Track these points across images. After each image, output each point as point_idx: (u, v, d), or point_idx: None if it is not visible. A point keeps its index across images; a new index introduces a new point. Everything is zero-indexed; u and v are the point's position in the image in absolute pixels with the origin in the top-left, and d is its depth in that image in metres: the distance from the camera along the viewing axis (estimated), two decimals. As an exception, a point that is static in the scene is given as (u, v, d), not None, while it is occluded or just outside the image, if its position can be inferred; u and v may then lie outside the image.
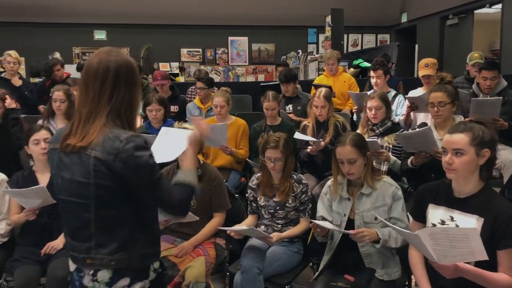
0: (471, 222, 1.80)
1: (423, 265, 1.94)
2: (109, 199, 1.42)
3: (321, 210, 2.41)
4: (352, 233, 2.09)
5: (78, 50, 8.61)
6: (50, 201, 2.48)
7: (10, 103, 3.39)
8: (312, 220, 2.25)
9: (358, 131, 3.27)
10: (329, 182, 2.44)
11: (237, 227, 2.51)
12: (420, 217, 1.99)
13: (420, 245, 1.65)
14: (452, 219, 1.86)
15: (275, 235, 2.54)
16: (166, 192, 1.47)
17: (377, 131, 3.20)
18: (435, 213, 1.92)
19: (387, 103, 3.22)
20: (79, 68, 7.37)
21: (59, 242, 2.56)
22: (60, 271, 2.41)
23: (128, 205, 1.45)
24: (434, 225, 1.90)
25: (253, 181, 2.76)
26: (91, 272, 1.45)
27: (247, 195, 2.82)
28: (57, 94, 3.56)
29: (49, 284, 2.42)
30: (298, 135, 3.39)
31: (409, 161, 2.84)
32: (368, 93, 4.10)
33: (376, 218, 2.21)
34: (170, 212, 1.54)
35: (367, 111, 3.22)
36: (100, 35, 8.71)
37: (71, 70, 7.02)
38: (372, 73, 4.25)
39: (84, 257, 1.45)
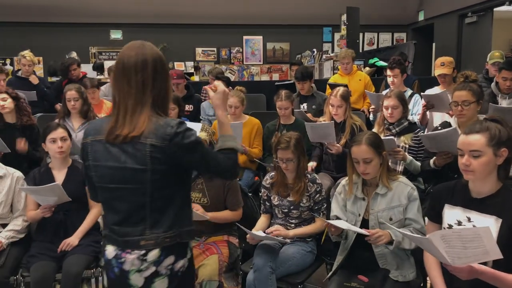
0: (489, 223, 1.76)
1: (438, 267, 1.90)
2: (163, 181, 1.51)
3: (335, 209, 2.39)
4: (368, 234, 2.06)
5: (95, 49, 8.71)
6: (65, 198, 2.51)
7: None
8: (326, 221, 2.23)
9: (374, 130, 3.23)
10: (343, 182, 2.42)
11: (254, 232, 2.50)
12: (436, 218, 1.95)
13: (433, 249, 1.62)
14: (469, 219, 1.82)
15: (291, 231, 2.53)
16: (214, 161, 1.57)
17: (393, 131, 3.15)
18: (452, 214, 1.88)
19: (404, 102, 3.17)
20: (95, 67, 7.49)
21: (74, 239, 2.59)
22: (75, 267, 2.45)
23: (178, 184, 1.56)
24: (450, 225, 1.86)
25: (267, 180, 2.75)
26: (142, 252, 1.51)
27: (260, 194, 2.81)
28: (70, 93, 3.59)
29: (64, 280, 2.45)
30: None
31: (431, 161, 2.77)
32: (384, 92, 4.06)
33: (391, 219, 2.18)
34: (223, 176, 1.67)
35: (384, 110, 3.17)
36: (116, 34, 8.79)
37: (87, 69, 7.13)
38: (388, 72, 4.20)
39: (139, 239, 1.51)
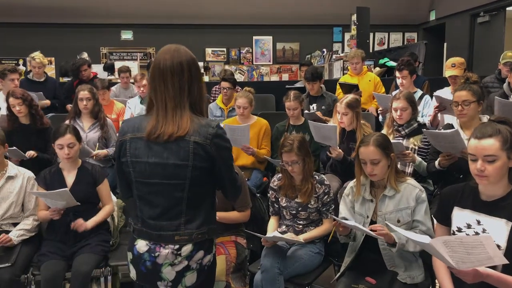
0: (499, 226, 1.74)
1: (446, 269, 1.88)
2: (201, 179, 1.59)
3: (343, 211, 2.38)
4: (375, 228, 2.04)
5: (106, 50, 8.78)
6: (73, 203, 2.54)
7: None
8: (336, 218, 2.21)
9: (383, 131, 3.21)
10: (351, 183, 2.41)
11: (267, 236, 2.50)
12: (444, 220, 1.94)
13: (437, 253, 1.61)
14: (478, 222, 1.80)
15: (301, 236, 2.53)
16: (235, 176, 1.68)
17: (402, 132, 3.13)
18: (461, 216, 1.86)
19: (413, 103, 3.14)
20: (105, 68, 7.55)
21: (88, 223, 2.61)
22: (84, 266, 2.48)
23: (211, 184, 1.65)
24: (459, 228, 1.85)
25: (274, 182, 2.75)
26: (176, 247, 1.58)
27: (268, 195, 2.81)
28: (83, 93, 3.63)
29: (73, 279, 2.48)
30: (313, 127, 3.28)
31: (436, 163, 2.77)
32: (394, 93, 4.03)
33: (398, 221, 2.17)
34: (234, 191, 1.73)
35: (393, 111, 3.15)
36: (126, 35, 8.86)
37: (99, 69, 7.19)
38: (397, 73, 4.18)
39: (173, 234, 1.59)
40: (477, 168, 1.73)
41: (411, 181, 2.25)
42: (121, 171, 1.67)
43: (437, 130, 2.85)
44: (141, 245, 1.63)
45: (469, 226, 1.82)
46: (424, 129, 2.94)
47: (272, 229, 2.68)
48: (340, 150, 3.20)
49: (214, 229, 1.69)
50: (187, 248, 1.59)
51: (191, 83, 1.58)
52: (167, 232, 1.59)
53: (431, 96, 4.18)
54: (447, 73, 3.97)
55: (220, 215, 2.56)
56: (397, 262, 2.19)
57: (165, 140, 1.55)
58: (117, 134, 1.76)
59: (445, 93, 4.03)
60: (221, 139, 1.59)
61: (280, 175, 2.73)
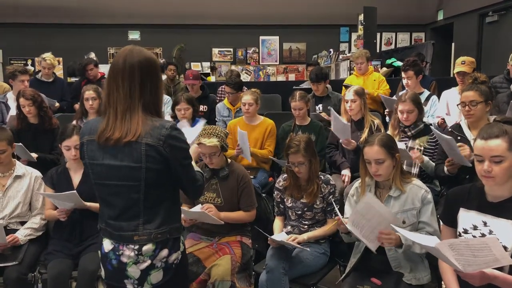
0: (506, 227, 1.73)
1: (453, 271, 1.87)
2: (156, 180, 1.59)
3: (348, 211, 2.37)
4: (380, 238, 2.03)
5: (113, 50, 8.83)
6: (82, 205, 2.55)
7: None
8: (339, 214, 2.20)
9: (389, 132, 3.20)
10: (356, 184, 2.40)
11: (274, 237, 2.51)
12: (451, 222, 1.92)
13: (443, 256, 1.60)
14: (485, 224, 1.79)
15: (305, 235, 2.53)
16: (194, 172, 1.68)
17: (408, 133, 3.11)
18: (467, 218, 1.85)
19: (419, 105, 3.12)
20: (113, 68, 7.57)
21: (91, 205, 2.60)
22: (91, 265, 2.50)
23: (169, 184, 1.63)
24: (465, 230, 1.83)
25: (280, 182, 2.75)
26: (136, 247, 1.60)
27: (274, 195, 2.81)
28: (88, 93, 3.66)
29: (80, 277, 2.49)
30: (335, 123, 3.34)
31: (445, 169, 2.75)
32: (400, 93, 4.02)
33: (404, 222, 2.16)
34: (195, 191, 1.74)
35: (398, 113, 3.14)
36: (134, 35, 8.90)
37: (106, 70, 7.22)
38: (403, 74, 4.16)
39: (132, 234, 1.60)
40: (484, 169, 1.71)
41: (416, 181, 2.24)
42: (87, 173, 1.69)
43: (437, 131, 2.83)
44: (107, 244, 1.66)
45: (475, 228, 1.80)
46: (433, 127, 2.93)
47: (279, 230, 2.68)
48: (354, 142, 3.30)
49: (178, 227, 1.68)
50: (148, 248, 1.60)
51: (143, 85, 1.56)
52: (127, 233, 1.61)
53: (439, 97, 4.16)
54: (456, 69, 3.96)
55: (224, 215, 2.58)
56: (403, 263, 2.18)
57: (113, 144, 1.55)
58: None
59: (452, 93, 4.02)
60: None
61: (285, 175, 2.73)
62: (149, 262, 1.61)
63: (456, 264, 1.56)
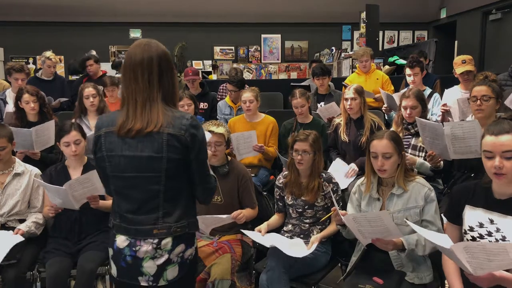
0: (513, 226, 1.69)
1: (458, 274, 1.83)
2: (176, 171, 1.58)
3: (349, 209, 2.34)
4: (374, 240, 2.01)
5: (114, 48, 8.82)
6: (70, 205, 2.51)
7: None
8: (336, 205, 2.16)
9: (392, 129, 3.16)
10: (358, 182, 2.37)
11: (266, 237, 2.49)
12: (455, 219, 1.89)
13: (455, 258, 1.57)
14: (492, 221, 1.75)
15: (315, 238, 2.48)
16: (208, 171, 1.66)
17: (412, 131, 3.08)
18: (473, 215, 1.81)
19: (423, 102, 3.10)
20: (114, 66, 7.57)
21: (100, 203, 2.58)
22: (89, 263, 2.47)
23: (188, 176, 1.62)
24: (471, 227, 1.80)
25: (280, 180, 2.72)
26: (155, 241, 1.58)
27: (274, 192, 2.78)
28: (88, 91, 3.63)
29: (78, 276, 2.47)
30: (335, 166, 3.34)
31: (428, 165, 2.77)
32: (402, 91, 3.98)
33: (406, 219, 2.12)
34: (205, 191, 1.68)
35: (402, 110, 3.11)
36: (135, 33, 8.88)
37: (108, 67, 7.22)
38: (408, 71, 4.12)
39: (151, 228, 1.58)
40: (495, 165, 1.67)
41: (420, 179, 2.21)
42: (100, 167, 1.66)
43: (425, 120, 2.80)
44: (121, 240, 1.62)
45: (481, 225, 1.77)
46: (417, 117, 2.90)
47: (272, 225, 2.65)
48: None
49: (195, 222, 1.68)
50: (167, 242, 1.58)
51: (162, 77, 1.58)
52: (145, 226, 1.58)
53: (442, 95, 4.13)
54: (459, 70, 3.89)
55: (246, 214, 2.55)
56: (405, 262, 2.15)
57: (134, 135, 1.55)
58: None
59: (455, 91, 3.98)
60: (196, 129, 1.58)
61: (285, 172, 2.70)
62: (166, 256, 1.58)
63: (468, 266, 1.53)
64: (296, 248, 2.41)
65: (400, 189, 2.17)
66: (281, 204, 2.72)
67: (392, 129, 3.15)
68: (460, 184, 1.99)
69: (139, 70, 1.55)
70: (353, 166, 3.31)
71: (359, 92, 3.42)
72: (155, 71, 1.56)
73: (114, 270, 1.67)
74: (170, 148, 1.54)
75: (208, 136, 2.39)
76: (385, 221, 1.90)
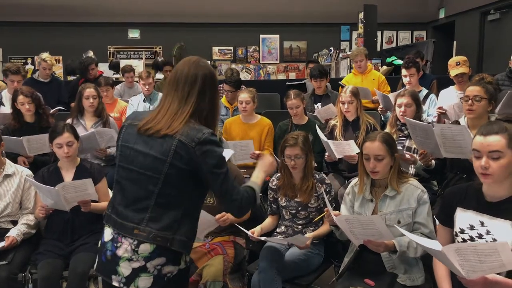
0: (503, 228, 1.68)
1: (449, 279, 1.82)
2: (177, 179, 1.57)
3: (343, 210, 2.33)
4: (366, 241, 2.00)
5: (113, 48, 8.80)
6: (62, 206, 2.50)
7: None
8: (329, 206, 2.15)
9: (387, 130, 3.15)
10: (352, 183, 2.36)
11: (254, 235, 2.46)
12: (447, 222, 1.88)
13: (446, 261, 1.55)
14: (482, 224, 1.74)
15: (308, 236, 2.44)
16: (230, 185, 1.61)
17: (405, 132, 3.06)
18: (464, 217, 1.80)
19: (417, 101, 3.08)
20: (111, 67, 7.56)
21: (92, 205, 2.56)
22: (81, 265, 2.47)
23: (190, 191, 1.60)
24: (462, 229, 1.79)
25: (273, 182, 2.71)
26: (135, 243, 1.56)
27: (268, 194, 2.77)
28: (89, 91, 3.62)
29: (70, 278, 2.46)
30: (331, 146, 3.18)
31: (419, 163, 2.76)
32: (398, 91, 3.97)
33: (399, 222, 2.12)
34: (229, 205, 1.66)
35: (396, 108, 3.10)
36: (133, 34, 8.88)
37: (106, 68, 7.21)
38: (404, 72, 4.10)
39: (134, 226, 1.57)
40: (481, 165, 1.67)
41: (413, 181, 2.20)
42: (115, 156, 1.73)
43: (414, 120, 2.80)
44: (107, 234, 1.64)
45: (472, 228, 1.76)
46: (406, 117, 2.88)
47: (265, 228, 2.62)
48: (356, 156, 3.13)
49: (186, 243, 1.61)
50: (145, 248, 1.56)
51: (203, 94, 1.62)
52: (129, 223, 1.58)
53: (439, 95, 4.11)
54: (453, 72, 3.86)
55: (232, 219, 2.50)
56: (397, 264, 2.14)
57: (151, 134, 1.59)
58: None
59: (450, 92, 3.95)
60: (209, 145, 1.56)
61: (279, 174, 2.69)
62: (142, 263, 1.55)
63: (460, 269, 1.51)
64: (296, 240, 2.39)
65: (393, 190, 2.16)
66: (274, 206, 2.71)
67: (386, 130, 3.14)
68: (453, 186, 1.97)
69: (182, 82, 1.63)
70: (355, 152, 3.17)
71: (355, 94, 3.40)
72: (198, 86, 1.62)
73: (95, 264, 1.68)
74: (177, 155, 1.55)
75: (229, 153, 2.34)
76: (377, 224, 1.90)
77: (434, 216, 2.11)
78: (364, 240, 2.00)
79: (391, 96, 3.96)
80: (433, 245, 1.62)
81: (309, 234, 2.50)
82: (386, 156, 2.14)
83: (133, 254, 1.56)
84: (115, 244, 1.59)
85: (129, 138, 1.64)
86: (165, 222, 1.57)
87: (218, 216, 2.44)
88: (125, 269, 1.57)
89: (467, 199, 1.82)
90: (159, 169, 1.56)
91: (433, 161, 2.74)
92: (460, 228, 1.81)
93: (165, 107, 1.62)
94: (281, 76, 9.22)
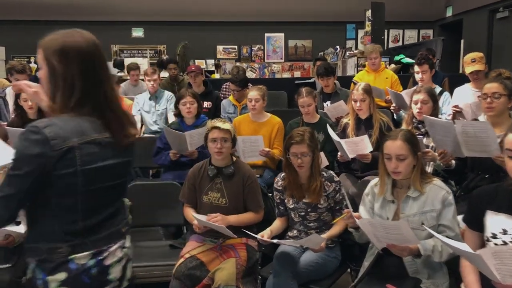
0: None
1: (479, 286, 1.71)
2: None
3: (362, 212, 2.23)
4: (389, 245, 1.90)
5: (116, 47, 8.72)
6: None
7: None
8: (350, 207, 2.05)
9: (408, 129, 3.05)
10: (371, 183, 2.26)
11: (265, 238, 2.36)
12: (476, 225, 1.77)
13: (481, 264, 1.46)
14: None
15: (325, 236, 2.33)
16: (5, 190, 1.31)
17: (422, 130, 2.97)
18: (495, 221, 1.70)
19: (434, 98, 3.00)
20: (115, 65, 7.49)
21: None
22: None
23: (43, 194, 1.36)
24: (494, 234, 1.68)
25: (278, 182, 2.57)
26: (123, 241, 1.52)
27: (274, 196, 2.66)
28: None
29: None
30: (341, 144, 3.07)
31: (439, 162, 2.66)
32: (409, 89, 3.89)
33: (422, 223, 2.01)
34: None
35: (413, 105, 3.00)
36: (137, 32, 8.80)
37: (109, 66, 7.11)
38: (417, 68, 4.00)
39: (120, 227, 1.52)
40: None
41: (437, 181, 2.09)
42: None
43: (433, 118, 2.71)
44: (83, 256, 1.40)
45: (505, 232, 1.66)
46: (424, 115, 2.79)
47: (276, 229, 2.51)
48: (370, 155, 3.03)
49: (54, 249, 1.36)
50: (128, 240, 1.54)
51: None
52: (117, 227, 1.50)
53: (451, 93, 4.01)
54: (468, 69, 3.76)
55: (234, 219, 2.43)
56: (420, 269, 2.04)
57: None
58: None
59: (465, 90, 3.86)
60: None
61: (283, 174, 2.56)
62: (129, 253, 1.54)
63: (496, 274, 1.42)
64: (310, 242, 2.28)
65: (416, 191, 2.06)
66: (282, 208, 2.58)
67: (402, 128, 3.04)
68: (480, 187, 1.87)
69: None
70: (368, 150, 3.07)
71: (368, 92, 3.29)
72: None
73: None
74: None
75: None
76: (403, 230, 1.80)
77: (462, 220, 2.00)
78: (387, 243, 1.90)
79: (404, 94, 3.86)
80: (466, 247, 1.53)
81: (324, 235, 2.39)
82: (409, 156, 2.04)
83: (121, 252, 1.50)
84: (100, 258, 1.42)
85: None
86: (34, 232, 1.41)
87: (209, 217, 2.38)
88: (116, 273, 1.47)
89: (498, 201, 1.72)
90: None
91: (453, 161, 2.63)
92: (491, 233, 1.70)
93: None
94: (286, 75, 9.13)
